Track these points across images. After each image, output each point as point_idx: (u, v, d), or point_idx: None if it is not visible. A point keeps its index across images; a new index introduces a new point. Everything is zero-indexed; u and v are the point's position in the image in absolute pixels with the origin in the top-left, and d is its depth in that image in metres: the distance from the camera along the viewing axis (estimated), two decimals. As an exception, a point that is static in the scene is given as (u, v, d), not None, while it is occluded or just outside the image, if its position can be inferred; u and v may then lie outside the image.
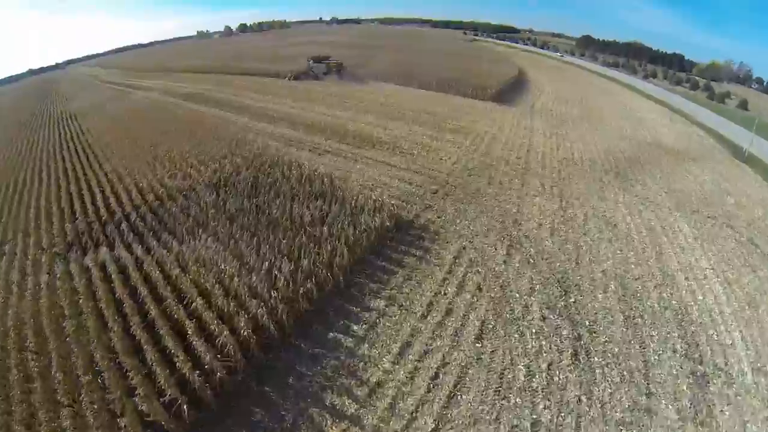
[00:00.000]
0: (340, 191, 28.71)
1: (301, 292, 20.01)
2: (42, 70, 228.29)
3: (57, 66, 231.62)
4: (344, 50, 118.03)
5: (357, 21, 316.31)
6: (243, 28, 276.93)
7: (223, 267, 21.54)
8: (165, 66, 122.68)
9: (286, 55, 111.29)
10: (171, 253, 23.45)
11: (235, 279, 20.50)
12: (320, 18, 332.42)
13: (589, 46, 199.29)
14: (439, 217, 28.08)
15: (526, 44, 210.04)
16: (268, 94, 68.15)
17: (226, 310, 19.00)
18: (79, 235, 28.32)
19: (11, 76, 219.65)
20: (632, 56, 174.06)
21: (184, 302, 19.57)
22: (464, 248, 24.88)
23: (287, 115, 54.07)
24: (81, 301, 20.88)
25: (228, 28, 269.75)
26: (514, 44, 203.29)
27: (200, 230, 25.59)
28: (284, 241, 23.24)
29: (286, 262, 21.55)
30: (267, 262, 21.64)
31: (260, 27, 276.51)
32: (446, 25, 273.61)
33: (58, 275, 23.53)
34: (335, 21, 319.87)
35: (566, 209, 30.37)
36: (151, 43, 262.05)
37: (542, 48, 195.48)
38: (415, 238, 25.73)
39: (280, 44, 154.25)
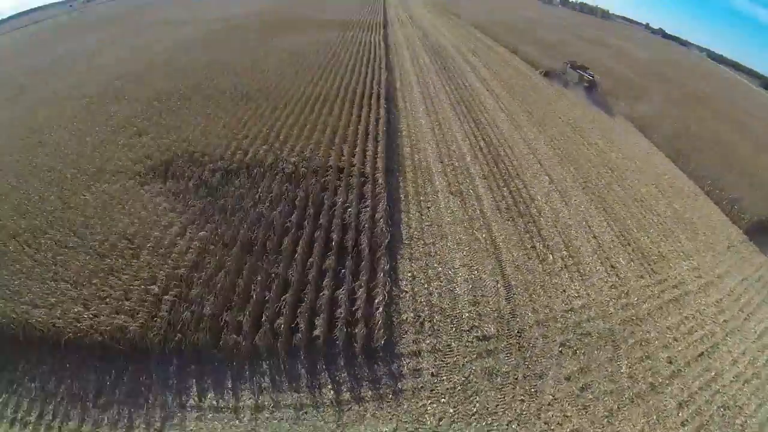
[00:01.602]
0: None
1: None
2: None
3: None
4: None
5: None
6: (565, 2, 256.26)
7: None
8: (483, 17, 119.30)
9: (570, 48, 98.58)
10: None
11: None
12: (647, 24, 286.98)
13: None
14: None
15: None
16: (511, 88, 60.05)
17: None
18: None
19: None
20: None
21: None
22: None
23: (485, 136, 45.00)
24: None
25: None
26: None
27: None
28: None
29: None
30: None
31: (581, 8, 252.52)
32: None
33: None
34: (661, 32, 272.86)
35: None
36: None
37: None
38: None
39: (586, 32, 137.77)
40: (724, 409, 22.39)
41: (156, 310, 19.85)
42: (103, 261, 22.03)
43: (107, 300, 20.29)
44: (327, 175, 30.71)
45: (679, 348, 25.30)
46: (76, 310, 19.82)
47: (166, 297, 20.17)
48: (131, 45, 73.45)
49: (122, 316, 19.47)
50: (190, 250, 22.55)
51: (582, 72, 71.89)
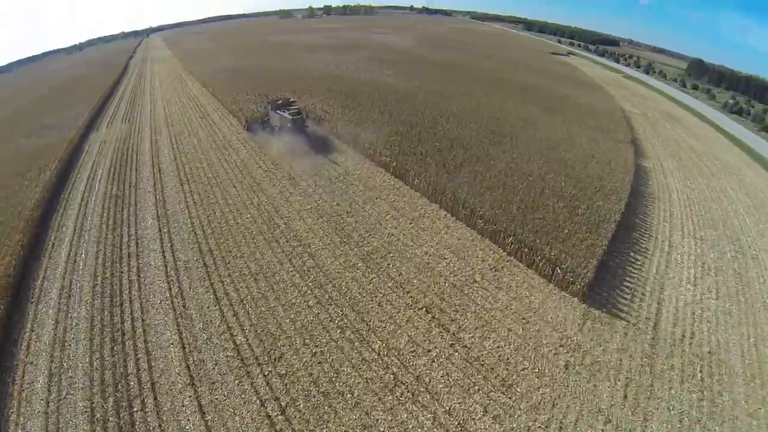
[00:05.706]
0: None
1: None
2: (135, 33, 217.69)
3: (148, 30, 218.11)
4: (384, 68, 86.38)
5: (447, 13, 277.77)
6: (327, 9, 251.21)
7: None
8: (205, 59, 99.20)
9: (313, 71, 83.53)
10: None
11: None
12: (411, 6, 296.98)
13: (701, 74, 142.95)
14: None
15: (628, 64, 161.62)
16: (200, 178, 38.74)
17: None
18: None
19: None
20: (752, 96, 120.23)
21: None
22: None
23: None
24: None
25: (311, 9, 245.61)
26: (615, 65, 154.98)
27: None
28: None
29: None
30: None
31: (344, 11, 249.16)
32: (541, 29, 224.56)
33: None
34: (426, 10, 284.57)
35: None
36: (232, 16, 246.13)
37: (647, 73, 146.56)
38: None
39: (334, 41, 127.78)
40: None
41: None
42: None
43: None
44: None
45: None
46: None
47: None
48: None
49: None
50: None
51: (282, 112, 49.06)
